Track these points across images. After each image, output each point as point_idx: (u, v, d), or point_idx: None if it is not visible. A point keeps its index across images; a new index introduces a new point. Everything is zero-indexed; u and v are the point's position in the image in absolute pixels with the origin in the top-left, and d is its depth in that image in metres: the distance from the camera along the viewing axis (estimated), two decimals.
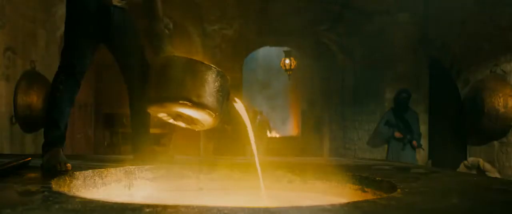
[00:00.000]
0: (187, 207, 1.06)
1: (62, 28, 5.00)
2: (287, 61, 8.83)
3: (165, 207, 1.05)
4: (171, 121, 1.99)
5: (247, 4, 6.17)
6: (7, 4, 4.08)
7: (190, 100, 1.77)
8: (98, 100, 6.05)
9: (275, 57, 10.68)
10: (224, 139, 5.77)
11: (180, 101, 1.78)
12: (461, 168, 4.98)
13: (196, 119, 1.89)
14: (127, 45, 2.28)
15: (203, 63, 1.83)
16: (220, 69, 1.85)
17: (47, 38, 4.90)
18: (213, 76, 1.81)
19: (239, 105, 1.95)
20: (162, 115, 1.96)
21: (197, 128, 1.99)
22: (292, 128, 12.56)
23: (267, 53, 11.38)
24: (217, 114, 1.84)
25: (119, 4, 2.24)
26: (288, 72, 9.03)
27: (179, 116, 1.95)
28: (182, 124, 2.00)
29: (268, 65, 12.11)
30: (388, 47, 6.34)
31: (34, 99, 4.41)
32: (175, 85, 1.80)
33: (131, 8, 2.29)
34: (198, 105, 1.79)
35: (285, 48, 8.96)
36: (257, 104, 11.82)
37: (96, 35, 2.20)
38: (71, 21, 2.18)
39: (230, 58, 6.17)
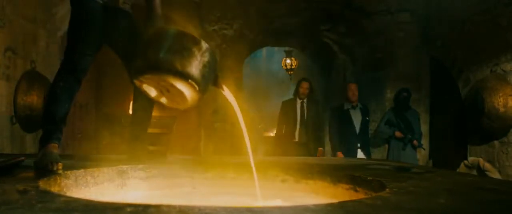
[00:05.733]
0: (168, 206, 1.06)
1: (63, 29, 5.08)
2: (288, 61, 8.85)
3: (146, 206, 1.06)
4: (154, 95, 1.95)
5: (247, 4, 6.16)
6: (7, 4, 4.10)
7: (174, 69, 1.75)
8: (99, 99, 6.08)
9: (277, 57, 10.69)
10: (225, 139, 5.78)
11: (165, 67, 1.76)
12: (462, 167, 4.96)
13: (179, 94, 1.85)
14: (132, 47, 2.30)
15: (194, 36, 1.82)
16: (209, 47, 1.85)
17: (47, 39, 4.92)
18: (201, 50, 1.80)
19: (227, 93, 1.94)
20: (146, 88, 1.93)
21: (180, 106, 1.95)
22: None
23: (269, 53, 11.41)
24: (200, 88, 1.81)
25: (123, 7, 2.28)
26: (289, 72, 9.05)
27: (163, 92, 1.92)
28: (164, 100, 1.98)
29: (271, 64, 12.13)
30: (388, 47, 6.32)
31: (35, 99, 4.43)
32: (161, 54, 1.78)
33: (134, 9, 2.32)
34: (182, 75, 1.76)
35: (286, 48, 8.96)
36: (259, 103, 11.81)
37: (100, 37, 2.24)
38: (76, 21, 2.22)
39: (230, 58, 6.17)
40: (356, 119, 5.41)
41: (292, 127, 5.41)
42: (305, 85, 5.55)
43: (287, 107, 5.63)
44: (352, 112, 5.44)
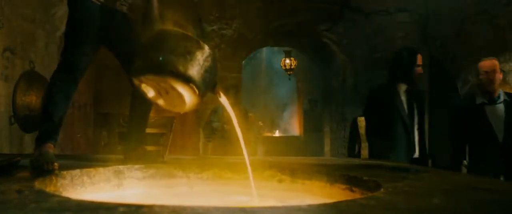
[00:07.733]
0: (161, 206, 1.06)
1: (62, 29, 5.07)
2: (288, 61, 8.86)
3: (139, 206, 1.06)
4: (152, 95, 1.95)
5: (247, 4, 6.17)
6: (6, 5, 4.11)
7: (177, 71, 1.74)
8: (97, 100, 6.08)
9: (277, 56, 10.69)
10: (223, 140, 5.77)
11: (167, 69, 1.75)
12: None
13: (179, 97, 1.84)
14: (130, 48, 2.30)
15: (198, 40, 1.82)
16: (212, 52, 1.84)
17: (46, 39, 4.93)
18: (204, 55, 1.80)
19: (223, 100, 1.94)
20: (145, 88, 1.92)
21: (177, 109, 1.95)
22: (296, 127, 12.59)
23: (269, 53, 11.41)
24: (200, 92, 1.80)
25: (120, 9, 2.29)
26: (288, 73, 9.05)
27: (161, 93, 1.92)
28: (162, 102, 1.97)
29: (271, 64, 12.14)
30: (388, 47, 6.32)
31: (33, 99, 4.44)
32: (164, 55, 1.77)
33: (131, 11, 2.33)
34: (184, 78, 1.75)
35: (286, 48, 8.97)
36: (261, 103, 11.83)
37: (97, 38, 2.25)
38: (73, 21, 2.23)
39: (229, 58, 6.18)
40: (497, 119, 3.40)
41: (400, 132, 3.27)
42: (420, 59, 3.32)
43: (384, 98, 3.35)
44: (489, 108, 3.42)
